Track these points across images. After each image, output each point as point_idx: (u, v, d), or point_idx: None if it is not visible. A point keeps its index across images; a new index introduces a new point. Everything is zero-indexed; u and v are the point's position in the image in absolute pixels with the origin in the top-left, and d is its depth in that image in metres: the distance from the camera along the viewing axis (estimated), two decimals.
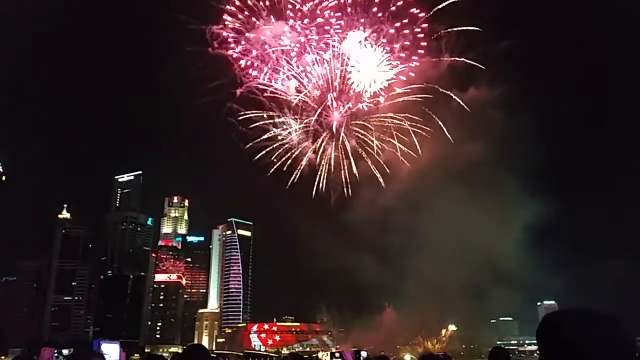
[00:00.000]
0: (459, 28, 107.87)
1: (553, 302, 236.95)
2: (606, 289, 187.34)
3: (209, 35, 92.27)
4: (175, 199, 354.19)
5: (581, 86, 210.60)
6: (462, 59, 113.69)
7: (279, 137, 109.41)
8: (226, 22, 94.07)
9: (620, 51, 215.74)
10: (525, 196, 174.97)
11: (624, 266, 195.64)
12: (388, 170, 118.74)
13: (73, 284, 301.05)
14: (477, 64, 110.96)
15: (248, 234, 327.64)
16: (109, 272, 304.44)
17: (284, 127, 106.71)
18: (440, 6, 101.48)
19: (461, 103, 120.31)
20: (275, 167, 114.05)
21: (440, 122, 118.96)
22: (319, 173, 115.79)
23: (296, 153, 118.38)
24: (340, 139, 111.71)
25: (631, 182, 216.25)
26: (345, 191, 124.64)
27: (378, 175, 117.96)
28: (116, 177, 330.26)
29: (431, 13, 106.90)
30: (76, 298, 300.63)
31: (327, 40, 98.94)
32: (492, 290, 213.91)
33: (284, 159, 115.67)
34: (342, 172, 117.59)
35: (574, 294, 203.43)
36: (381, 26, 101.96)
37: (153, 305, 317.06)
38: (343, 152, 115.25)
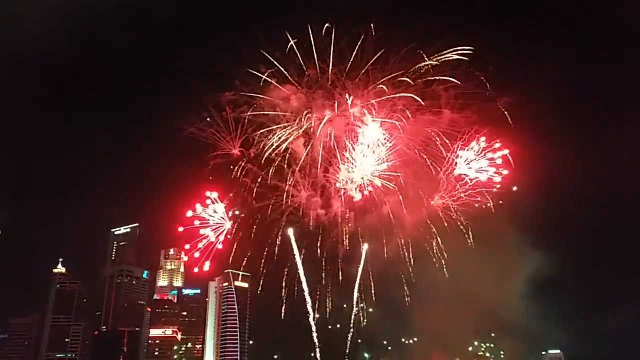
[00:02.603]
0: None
1: (558, 351, 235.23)
2: (611, 339, 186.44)
3: (224, 101, 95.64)
4: (172, 251, 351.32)
5: (583, 137, 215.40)
6: (461, 115, 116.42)
7: (286, 194, 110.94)
8: (238, 89, 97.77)
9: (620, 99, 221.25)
10: (527, 248, 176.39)
11: (629, 316, 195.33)
12: (393, 221, 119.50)
13: (67, 340, 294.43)
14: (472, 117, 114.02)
15: (245, 285, 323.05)
16: (104, 327, 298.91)
17: (292, 184, 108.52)
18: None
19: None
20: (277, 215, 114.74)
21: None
22: (316, 227, 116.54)
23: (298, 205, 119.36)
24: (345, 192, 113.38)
25: (634, 232, 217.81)
26: (347, 244, 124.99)
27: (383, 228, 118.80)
28: (113, 230, 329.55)
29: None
30: (69, 355, 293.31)
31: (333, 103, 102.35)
32: (497, 341, 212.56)
33: (284, 210, 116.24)
34: (349, 225, 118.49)
35: (579, 344, 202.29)
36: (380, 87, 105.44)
37: None
38: (349, 207, 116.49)
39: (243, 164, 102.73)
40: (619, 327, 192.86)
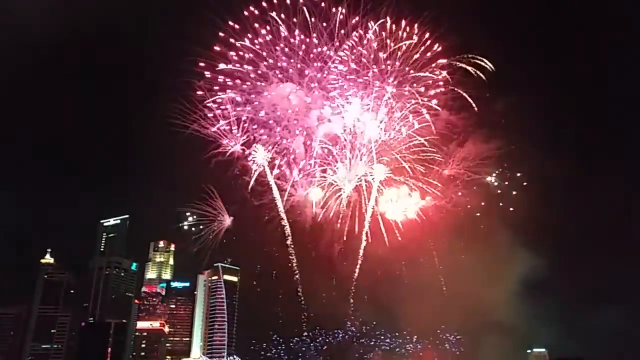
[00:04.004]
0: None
1: (543, 349, 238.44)
2: (596, 338, 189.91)
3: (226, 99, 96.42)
4: (161, 244, 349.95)
5: (576, 140, 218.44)
6: (460, 115, 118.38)
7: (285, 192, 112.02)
8: (237, 86, 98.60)
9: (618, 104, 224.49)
10: (516, 247, 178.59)
11: (614, 316, 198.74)
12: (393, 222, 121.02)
13: (53, 331, 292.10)
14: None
15: (234, 279, 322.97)
16: (91, 319, 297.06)
17: (291, 180, 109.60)
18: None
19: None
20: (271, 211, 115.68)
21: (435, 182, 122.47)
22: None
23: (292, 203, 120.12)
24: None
25: (624, 233, 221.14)
26: (342, 243, 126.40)
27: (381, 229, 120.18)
28: (102, 221, 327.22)
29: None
30: (55, 346, 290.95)
31: (333, 102, 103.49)
32: (482, 338, 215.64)
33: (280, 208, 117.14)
34: (346, 224, 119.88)
35: (565, 342, 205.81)
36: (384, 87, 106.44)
37: (134, 354, 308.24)
38: (347, 206, 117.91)
39: (242, 160, 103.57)
40: (603, 327, 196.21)
